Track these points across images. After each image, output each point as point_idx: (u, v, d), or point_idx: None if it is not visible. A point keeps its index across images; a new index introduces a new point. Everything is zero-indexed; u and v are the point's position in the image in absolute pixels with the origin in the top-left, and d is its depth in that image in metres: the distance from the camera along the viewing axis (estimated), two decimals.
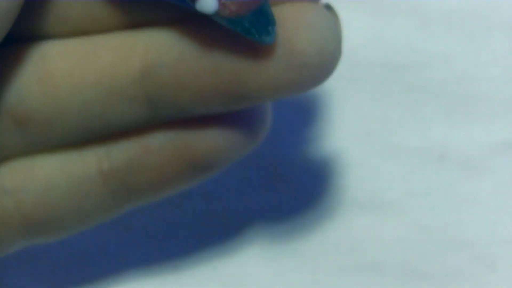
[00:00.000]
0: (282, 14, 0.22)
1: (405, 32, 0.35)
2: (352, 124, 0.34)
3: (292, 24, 0.22)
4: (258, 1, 0.22)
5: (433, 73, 0.35)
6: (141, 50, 0.23)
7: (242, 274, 0.33)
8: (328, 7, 0.24)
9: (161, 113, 0.24)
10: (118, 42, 0.24)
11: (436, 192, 0.34)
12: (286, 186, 0.34)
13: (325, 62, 0.23)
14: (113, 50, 0.24)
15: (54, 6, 0.23)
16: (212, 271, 0.33)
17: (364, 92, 0.35)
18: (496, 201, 0.34)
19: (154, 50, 0.23)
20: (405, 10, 0.35)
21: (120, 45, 0.24)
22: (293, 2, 0.23)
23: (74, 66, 0.23)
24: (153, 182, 0.25)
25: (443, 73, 0.35)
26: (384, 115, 0.34)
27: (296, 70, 0.22)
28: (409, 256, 0.34)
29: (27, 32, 0.24)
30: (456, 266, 0.34)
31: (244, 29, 0.21)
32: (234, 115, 0.25)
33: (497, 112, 0.35)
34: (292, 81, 0.22)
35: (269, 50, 0.22)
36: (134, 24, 0.24)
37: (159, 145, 0.24)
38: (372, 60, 0.35)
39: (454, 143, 0.34)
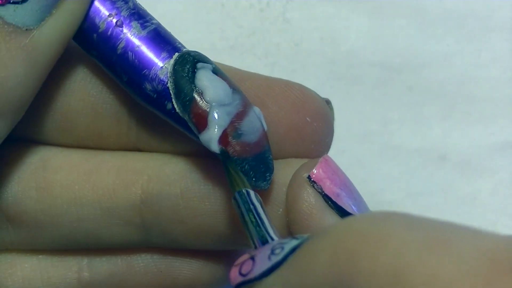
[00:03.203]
0: (288, 172, 0.22)
1: (405, 33, 0.35)
2: (352, 125, 0.34)
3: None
4: (262, 145, 0.22)
5: (433, 73, 0.35)
6: (145, 178, 0.23)
7: None
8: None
9: (152, 240, 0.24)
10: (122, 164, 0.24)
11: (436, 192, 0.34)
12: None
13: None
14: (116, 172, 0.24)
15: (62, 114, 0.23)
16: None
17: (364, 92, 0.35)
18: (496, 201, 0.34)
19: (157, 180, 0.23)
20: (405, 11, 0.35)
21: (124, 168, 0.24)
22: (300, 160, 0.23)
23: (74, 180, 0.23)
24: None
25: (443, 73, 0.35)
26: (384, 115, 0.35)
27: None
28: None
29: (32, 135, 0.24)
30: None
31: (242, 171, 0.21)
32: (220, 250, 0.25)
33: (497, 112, 0.35)
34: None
35: (271, 207, 0.22)
36: (140, 149, 0.24)
37: (143, 265, 0.24)
38: (372, 60, 0.35)
39: (454, 143, 0.35)
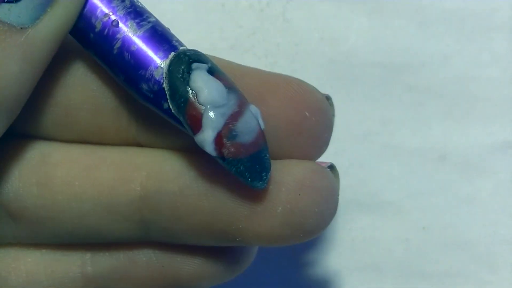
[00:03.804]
0: (286, 172, 0.23)
1: (405, 33, 0.35)
2: (352, 125, 0.34)
3: (295, 187, 0.22)
4: (258, 145, 0.22)
5: (433, 73, 0.35)
6: (144, 175, 0.23)
7: (242, 274, 0.33)
8: (331, 167, 0.24)
9: (152, 235, 0.24)
10: (121, 160, 0.24)
11: (436, 192, 0.34)
12: None
13: (320, 224, 0.23)
14: (115, 167, 0.24)
15: (63, 108, 0.23)
16: None
17: (364, 92, 0.35)
18: (496, 201, 0.34)
19: (155, 177, 0.23)
20: (404, 11, 0.35)
21: (123, 164, 0.24)
22: (298, 161, 0.23)
23: (74, 176, 0.24)
24: None
25: (443, 73, 0.35)
26: (384, 115, 0.35)
27: (292, 228, 0.22)
28: (409, 256, 0.34)
29: (32, 130, 0.24)
30: (456, 266, 0.34)
31: (238, 171, 0.21)
32: (221, 247, 0.25)
33: (497, 112, 0.35)
34: (285, 237, 0.23)
35: (270, 206, 0.22)
36: (140, 144, 0.24)
37: (146, 260, 0.25)
38: (372, 60, 0.35)
39: (454, 143, 0.35)
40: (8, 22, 0.20)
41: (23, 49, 0.20)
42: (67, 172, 0.24)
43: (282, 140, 0.23)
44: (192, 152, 0.23)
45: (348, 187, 0.34)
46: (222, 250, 0.25)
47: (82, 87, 0.23)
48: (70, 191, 0.23)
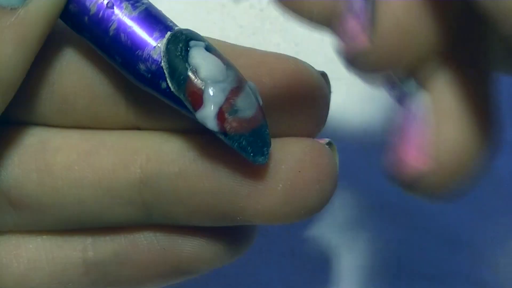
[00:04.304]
0: (285, 150, 0.23)
1: None
2: (352, 124, 0.35)
3: (295, 164, 0.22)
4: (258, 120, 0.22)
5: None
6: (143, 157, 0.23)
7: (242, 274, 0.33)
8: (330, 144, 0.24)
9: (154, 219, 0.24)
10: (121, 144, 0.24)
11: None
12: None
13: (321, 200, 0.23)
14: (115, 151, 0.24)
15: (60, 96, 0.23)
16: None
17: (364, 92, 0.35)
18: (496, 201, 0.34)
19: (155, 160, 0.23)
20: None
21: (123, 147, 0.24)
22: (297, 139, 0.23)
23: (74, 161, 0.24)
24: (134, 278, 0.25)
25: None
26: (384, 115, 0.35)
27: (293, 206, 0.23)
28: (409, 256, 0.34)
29: (30, 118, 0.24)
30: (456, 266, 0.34)
31: (240, 146, 0.21)
32: (221, 228, 0.25)
33: None
34: (287, 214, 0.23)
35: (270, 183, 0.22)
36: (140, 128, 0.24)
37: (147, 243, 0.25)
38: None
39: None
40: None
41: (15, 30, 0.20)
42: (66, 158, 0.24)
43: (279, 119, 0.23)
44: (191, 133, 0.23)
45: (348, 187, 0.34)
46: (223, 232, 0.25)
47: (78, 75, 0.23)
48: (70, 177, 0.23)
